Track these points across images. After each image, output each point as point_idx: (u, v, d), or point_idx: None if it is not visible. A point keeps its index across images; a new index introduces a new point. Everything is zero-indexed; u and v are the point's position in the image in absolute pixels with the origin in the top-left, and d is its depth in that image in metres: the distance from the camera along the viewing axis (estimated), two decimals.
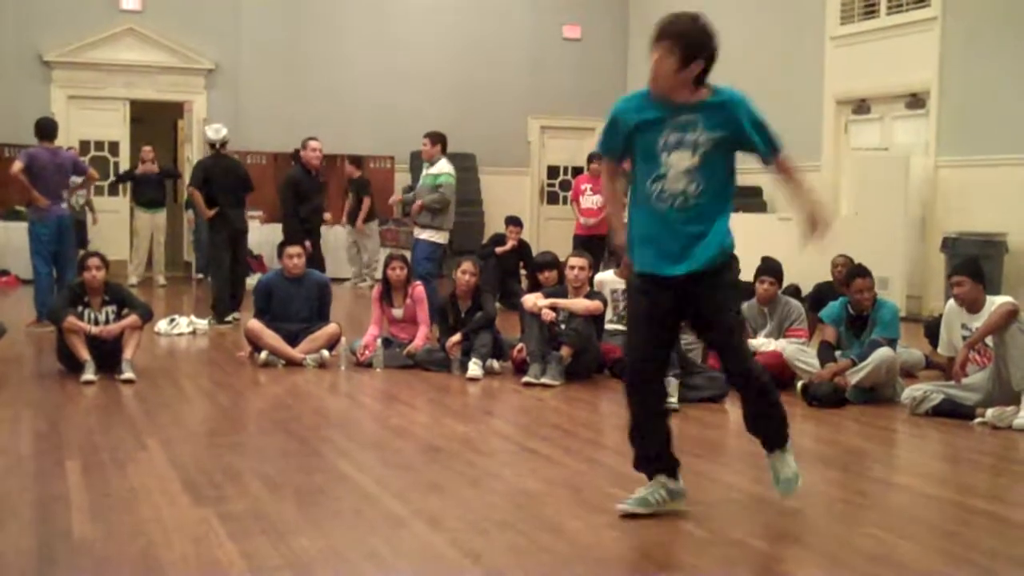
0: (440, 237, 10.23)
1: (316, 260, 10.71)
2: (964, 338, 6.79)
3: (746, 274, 8.80)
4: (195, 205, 11.39)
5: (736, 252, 4.44)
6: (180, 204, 16.68)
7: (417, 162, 17.29)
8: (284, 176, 11.80)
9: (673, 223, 4.22)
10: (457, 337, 8.10)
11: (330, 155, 16.81)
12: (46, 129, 10.35)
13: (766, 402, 4.37)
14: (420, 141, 17.17)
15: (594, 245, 11.76)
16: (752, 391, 4.36)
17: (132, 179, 15.22)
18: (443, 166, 10.29)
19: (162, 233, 15.15)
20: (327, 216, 13.53)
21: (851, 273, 7.75)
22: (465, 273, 8.26)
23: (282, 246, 8.89)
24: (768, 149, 4.31)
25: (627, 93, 4.39)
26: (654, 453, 4.44)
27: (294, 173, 11.33)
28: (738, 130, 4.22)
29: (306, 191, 10.96)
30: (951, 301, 7.05)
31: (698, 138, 4.17)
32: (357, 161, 15.61)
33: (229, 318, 10.65)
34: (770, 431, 4.45)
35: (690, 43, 4.08)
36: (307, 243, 9.97)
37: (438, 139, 10.45)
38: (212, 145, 11.17)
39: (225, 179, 10.97)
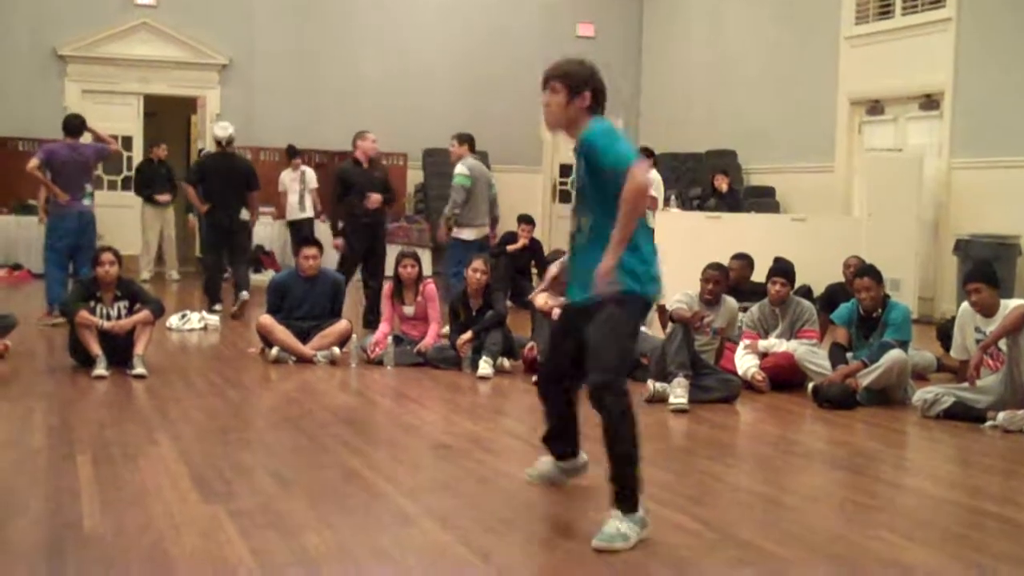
0: (466, 233, 10.35)
1: (377, 257, 10.51)
2: (978, 341, 6.78)
3: (758, 275, 8.83)
4: (189, 200, 11.58)
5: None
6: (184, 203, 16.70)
7: (430, 159, 17.36)
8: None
9: (576, 257, 4.38)
10: (468, 335, 8.11)
11: (342, 152, 16.85)
12: (68, 125, 10.49)
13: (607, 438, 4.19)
14: (433, 139, 17.32)
15: None
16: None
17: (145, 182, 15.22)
18: (459, 167, 10.39)
19: (171, 228, 15.17)
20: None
21: (855, 273, 7.76)
22: (476, 271, 8.26)
23: (299, 245, 8.95)
24: (613, 163, 4.09)
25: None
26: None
27: (344, 165, 10.96)
28: (589, 157, 4.20)
29: (356, 184, 10.53)
30: (965, 304, 7.03)
31: (579, 174, 4.29)
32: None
33: (217, 307, 10.94)
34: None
35: (573, 79, 4.27)
36: (339, 240, 10.25)
37: (463, 140, 10.54)
38: (219, 143, 11.35)
39: (222, 177, 11.16)
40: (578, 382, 4.44)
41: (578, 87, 4.27)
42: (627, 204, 4.02)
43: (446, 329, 8.56)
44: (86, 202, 10.31)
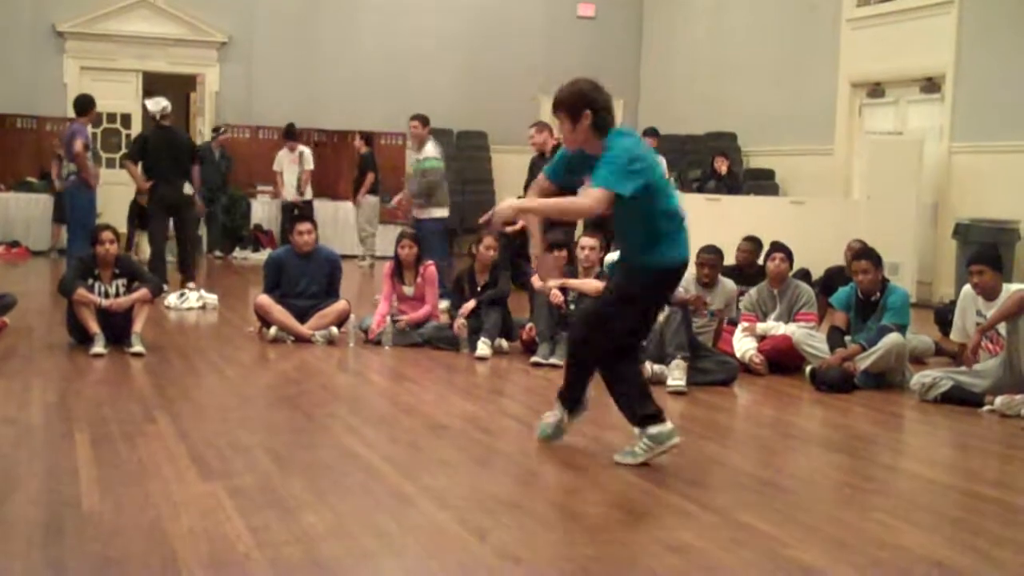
0: (441, 212, 10.55)
1: None
2: (978, 324, 6.78)
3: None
4: (131, 176, 11.39)
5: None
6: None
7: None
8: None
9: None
10: (471, 303, 8.11)
11: (342, 131, 16.86)
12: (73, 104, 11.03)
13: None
14: (433, 118, 17.13)
15: (605, 225, 11.75)
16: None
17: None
18: (429, 150, 10.61)
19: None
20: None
21: (852, 255, 7.77)
22: (488, 248, 8.28)
23: (292, 221, 8.93)
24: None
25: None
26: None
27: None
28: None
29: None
30: (967, 287, 7.03)
31: None
32: (367, 137, 15.60)
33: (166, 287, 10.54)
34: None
35: (570, 105, 4.70)
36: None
37: (427, 121, 10.72)
38: (153, 117, 11.17)
39: (164, 152, 10.97)
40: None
41: (577, 111, 4.67)
42: (568, 202, 5.03)
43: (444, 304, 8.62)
44: (71, 179, 10.54)
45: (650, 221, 4.74)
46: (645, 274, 4.84)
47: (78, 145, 10.48)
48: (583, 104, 4.67)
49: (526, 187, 10.30)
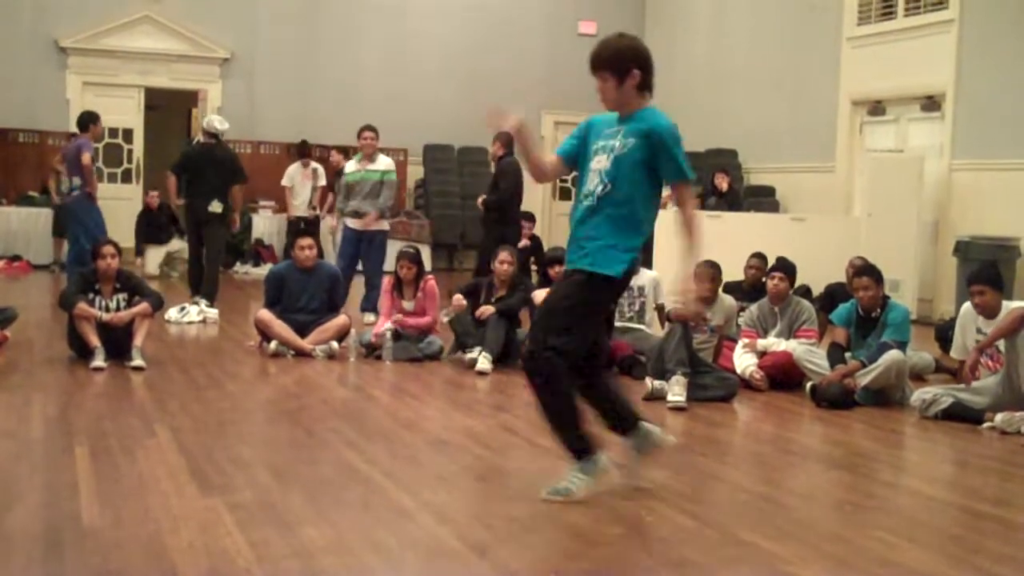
0: (386, 225, 10.77)
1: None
2: (977, 342, 6.78)
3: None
4: (167, 189, 11.29)
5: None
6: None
7: (430, 155, 17.35)
8: (505, 165, 10.92)
9: (578, 224, 4.47)
10: (489, 308, 8.13)
11: (343, 147, 16.86)
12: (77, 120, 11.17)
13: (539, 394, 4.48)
14: (433, 134, 17.29)
15: None
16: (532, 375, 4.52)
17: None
18: (388, 162, 10.79)
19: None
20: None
21: (853, 272, 7.78)
22: (503, 263, 8.29)
23: (295, 236, 8.91)
24: (677, 173, 4.46)
25: None
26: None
27: (515, 161, 10.55)
28: (651, 148, 4.40)
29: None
30: (967, 304, 7.03)
31: (615, 143, 4.41)
32: (344, 151, 15.58)
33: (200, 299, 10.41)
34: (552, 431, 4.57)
35: (618, 62, 4.41)
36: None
37: (378, 134, 10.79)
38: (213, 135, 10.94)
39: (199, 168, 10.74)
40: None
41: (626, 68, 4.40)
42: (696, 221, 4.39)
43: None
44: (74, 193, 10.58)
45: (637, 200, 4.43)
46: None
47: (86, 158, 10.51)
48: (632, 61, 4.42)
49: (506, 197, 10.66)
